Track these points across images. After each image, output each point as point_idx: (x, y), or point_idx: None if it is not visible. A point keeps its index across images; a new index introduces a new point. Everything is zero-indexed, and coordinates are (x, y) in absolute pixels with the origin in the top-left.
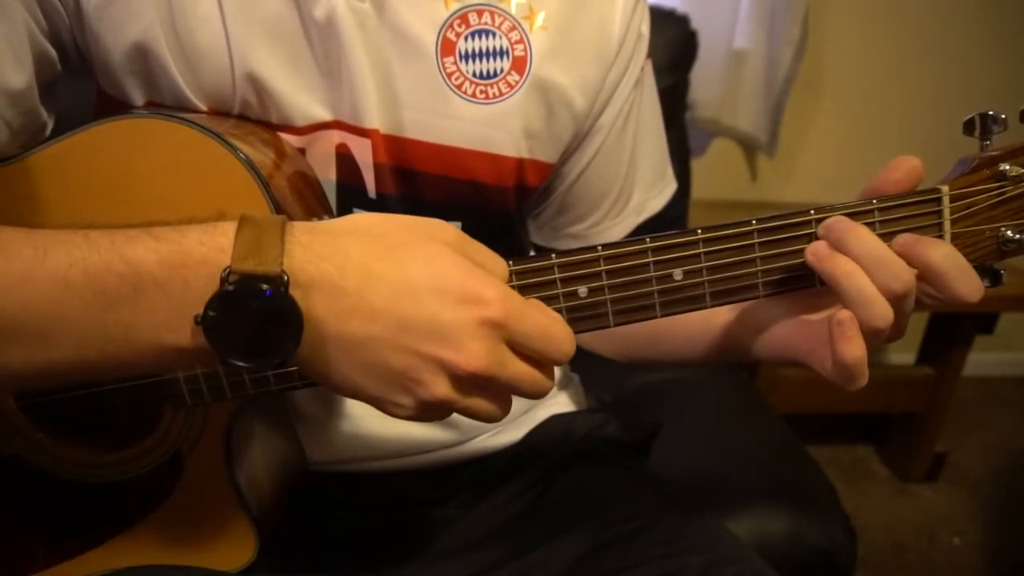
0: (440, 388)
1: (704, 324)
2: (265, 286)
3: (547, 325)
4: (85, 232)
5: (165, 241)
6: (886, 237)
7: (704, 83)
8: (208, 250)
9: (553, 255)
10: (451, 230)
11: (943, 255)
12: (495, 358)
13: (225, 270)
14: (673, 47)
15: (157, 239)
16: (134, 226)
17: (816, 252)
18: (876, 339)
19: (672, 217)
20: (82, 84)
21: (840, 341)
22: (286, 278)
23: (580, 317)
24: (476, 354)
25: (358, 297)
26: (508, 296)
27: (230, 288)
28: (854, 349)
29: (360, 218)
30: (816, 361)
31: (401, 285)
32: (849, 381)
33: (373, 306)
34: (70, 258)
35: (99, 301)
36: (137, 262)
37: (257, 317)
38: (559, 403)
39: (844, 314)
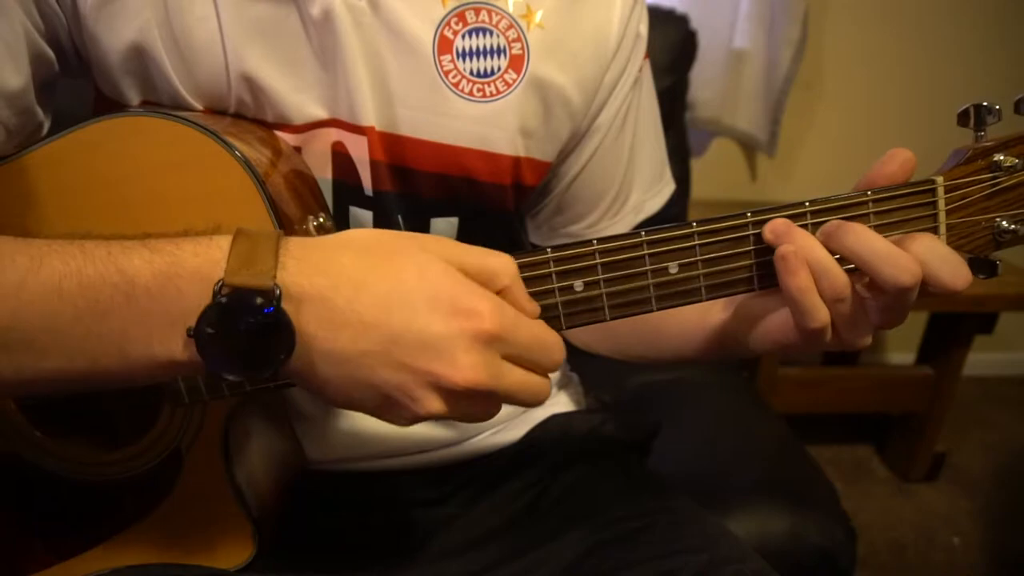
0: (434, 404)
1: (700, 320)
2: (258, 299)
3: (540, 335)
4: (81, 243)
5: (160, 252)
6: (882, 229)
7: (704, 83)
8: (202, 262)
9: (549, 249)
10: (447, 242)
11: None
12: (490, 371)
13: (218, 283)
14: (672, 47)
15: (152, 250)
16: (128, 236)
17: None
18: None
19: (671, 217)
20: (81, 83)
21: (785, 274)
22: (278, 291)
23: (576, 311)
24: (470, 368)
25: (349, 311)
26: (502, 308)
27: (222, 301)
28: (799, 281)
29: (355, 233)
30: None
31: (393, 298)
32: (808, 317)
33: (364, 319)
34: (65, 268)
35: (92, 311)
36: (132, 272)
37: (249, 330)
38: (559, 403)
39: (785, 248)
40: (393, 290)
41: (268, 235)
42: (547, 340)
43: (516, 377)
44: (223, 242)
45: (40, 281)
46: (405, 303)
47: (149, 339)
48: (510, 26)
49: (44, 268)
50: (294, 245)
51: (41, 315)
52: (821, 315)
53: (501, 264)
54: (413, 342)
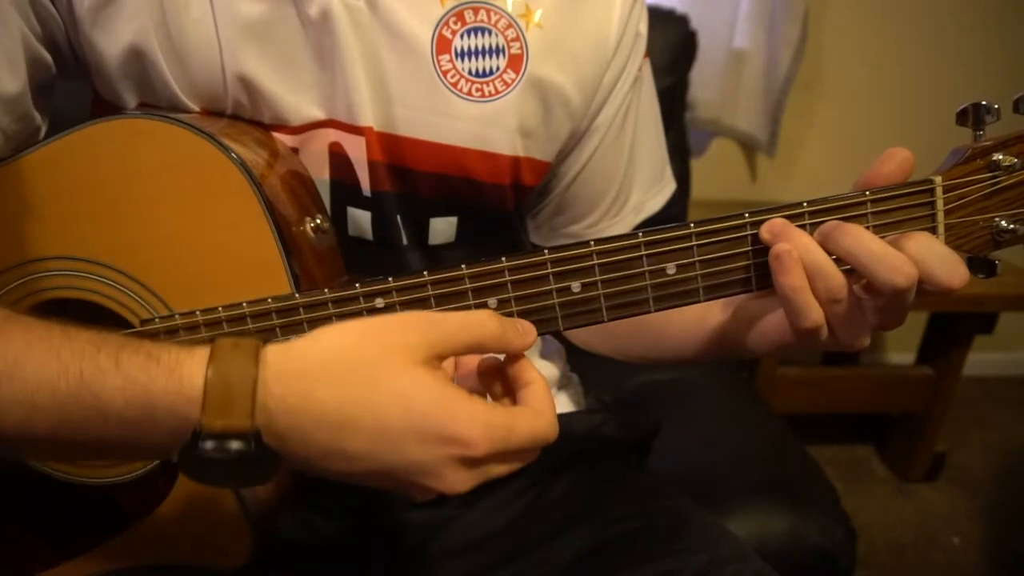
0: (426, 498)
1: (699, 321)
2: (238, 444)
3: (532, 431)
4: (58, 349)
5: (132, 381)
6: (880, 229)
7: (704, 83)
8: (175, 400)
9: (546, 250)
10: (429, 328)
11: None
12: (480, 478)
13: (196, 426)
14: (673, 47)
15: (125, 376)
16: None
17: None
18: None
19: (671, 217)
20: (79, 85)
21: (779, 273)
22: (259, 430)
23: (574, 312)
24: (459, 483)
25: (334, 446)
26: (491, 429)
27: (204, 448)
28: (792, 280)
29: (332, 342)
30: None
31: (378, 437)
32: (800, 317)
33: (350, 454)
34: (39, 379)
35: (67, 425)
36: (105, 398)
37: (230, 465)
38: (559, 403)
39: (780, 247)
40: (378, 429)
41: (244, 360)
42: (540, 433)
43: (505, 469)
44: (195, 374)
45: (14, 389)
46: (391, 441)
47: (128, 447)
48: (509, 25)
49: (18, 376)
50: (272, 379)
51: (15, 421)
52: (814, 315)
53: (485, 332)
54: (401, 470)
